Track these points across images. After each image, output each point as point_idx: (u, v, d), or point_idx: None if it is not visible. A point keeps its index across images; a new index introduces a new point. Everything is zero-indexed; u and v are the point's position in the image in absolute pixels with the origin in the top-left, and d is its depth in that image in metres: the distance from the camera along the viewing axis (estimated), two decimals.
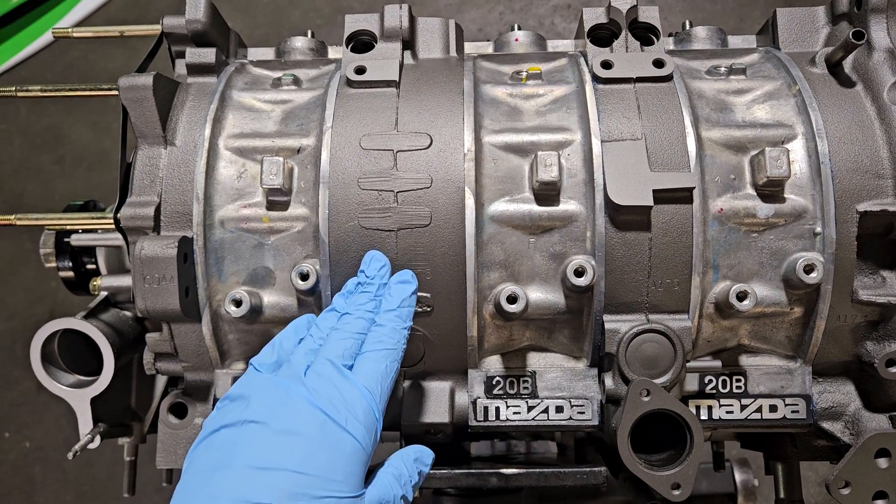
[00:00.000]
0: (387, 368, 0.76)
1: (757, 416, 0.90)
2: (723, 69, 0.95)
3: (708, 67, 0.96)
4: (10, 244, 2.56)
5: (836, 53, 0.91)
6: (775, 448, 1.09)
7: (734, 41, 1.04)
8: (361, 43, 1.00)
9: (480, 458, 1.30)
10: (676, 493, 0.80)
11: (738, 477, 2.00)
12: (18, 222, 0.93)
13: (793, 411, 0.89)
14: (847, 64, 0.92)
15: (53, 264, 1.10)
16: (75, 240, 1.06)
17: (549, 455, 1.42)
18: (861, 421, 0.89)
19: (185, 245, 0.86)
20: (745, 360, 0.91)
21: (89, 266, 1.11)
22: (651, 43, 0.97)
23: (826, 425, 0.90)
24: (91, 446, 0.97)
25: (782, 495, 1.10)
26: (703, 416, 0.90)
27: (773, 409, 0.90)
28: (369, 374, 0.75)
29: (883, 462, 0.84)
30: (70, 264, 1.10)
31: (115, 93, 0.91)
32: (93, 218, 0.96)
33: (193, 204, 0.88)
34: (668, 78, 0.92)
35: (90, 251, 1.10)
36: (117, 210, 0.88)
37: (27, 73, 2.82)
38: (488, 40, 1.08)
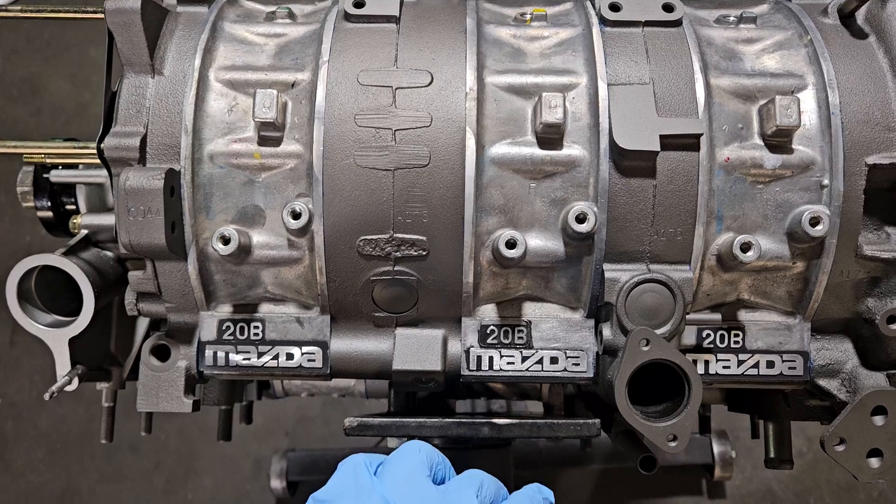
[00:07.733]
0: None
1: (754, 371, 0.88)
2: (732, 18, 0.93)
3: (716, 17, 0.94)
4: None
5: (848, 4, 0.89)
6: (767, 407, 1.08)
7: None
8: None
9: (465, 414, 1.29)
10: (673, 444, 0.78)
11: (716, 448, 2.02)
12: None
13: (790, 368, 0.88)
14: (860, 15, 0.89)
15: (31, 203, 1.06)
16: (55, 176, 1.01)
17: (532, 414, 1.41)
18: (858, 378, 0.88)
19: (172, 178, 0.82)
20: (744, 316, 0.90)
21: (69, 206, 1.06)
22: None
23: (823, 382, 0.89)
24: (68, 388, 0.93)
25: (772, 454, 1.10)
26: (700, 371, 0.88)
27: (770, 364, 0.88)
28: None
29: (879, 420, 0.84)
30: (49, 203, 1.06)
31: (101, 16, 0.86)
32: (75, 148, 0.91)
33: (181, 136, 0.84)
34: (678, 23, 0.89)
35: (70, 190, 1.05)
36: (101, 140, 0.84)
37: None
38: None
